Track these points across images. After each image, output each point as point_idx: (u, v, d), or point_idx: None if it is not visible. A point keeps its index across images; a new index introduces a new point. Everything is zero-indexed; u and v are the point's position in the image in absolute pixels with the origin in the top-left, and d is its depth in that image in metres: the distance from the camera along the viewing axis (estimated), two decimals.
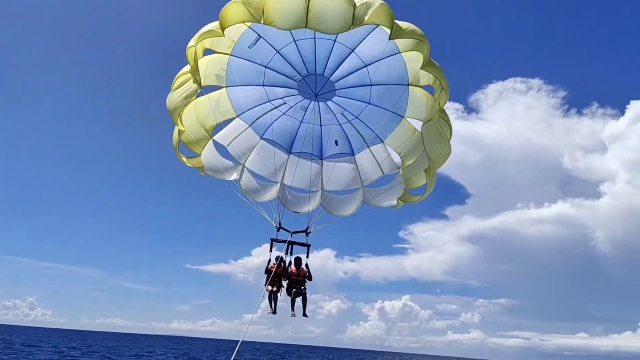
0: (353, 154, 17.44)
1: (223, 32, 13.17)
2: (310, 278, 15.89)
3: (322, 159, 17.88)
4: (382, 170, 17.06)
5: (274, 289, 15.49)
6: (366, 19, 12.20)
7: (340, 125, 17.17)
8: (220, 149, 17.22)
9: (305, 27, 12.11)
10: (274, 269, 15.69)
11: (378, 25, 13.82)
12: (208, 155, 16.95)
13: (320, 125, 17.39)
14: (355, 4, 12.30)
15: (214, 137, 16.97)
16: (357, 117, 16.66)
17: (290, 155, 18.05)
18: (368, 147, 17.09)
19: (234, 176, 17.34)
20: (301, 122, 17.47)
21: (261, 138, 17.70)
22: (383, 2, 12.70)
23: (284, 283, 15.90)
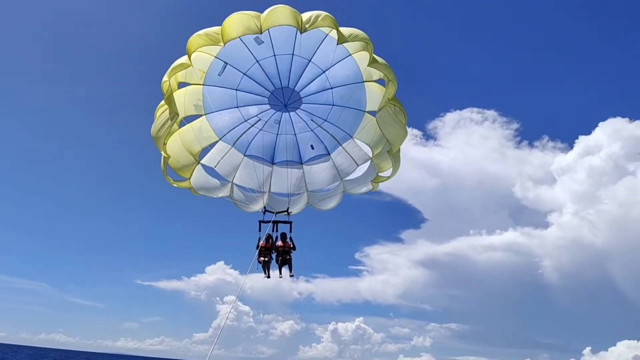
0: (329, 154, 19.16)
1: (190, 60, 15.10)
2: (294, 248, 18.59)
3: (302, 163, 19.57)
4: (356, 163, 18.77)
5: (266, 259, 18.02)
6: (313, 24, 14.23)
7: (312, 130, 18.98)
8: (209, 170, 18.91)
9: (261, 27, 14.11)
10: (264, 245, 18.14)
11: (327, 35, 15.92)
12: (199, 177, 18.61)
13: (295, 134, 19.20)
14: (301, 15, 14.40)
15: (201, 161, 18.68)
16: (325, 120, 18.50)
17: (274, 166, 19.77)
18: (340, 145, 18.85)
19: (224, 193, 18.97)
20: (277, 134, 19.29)
21: (245, 155, 19.44)
22: (326, 13, 14.80)
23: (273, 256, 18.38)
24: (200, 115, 18.12)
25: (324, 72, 17.31)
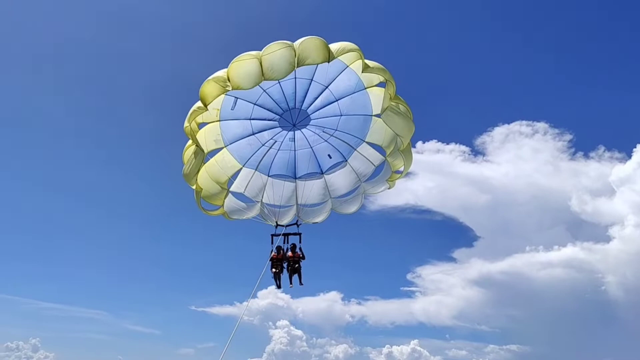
0: (346, 160, 20.27)
1: (206, 107, 16.45)
2: (304, 257, 19.93)
3: (323, 173, 20.78)
4: (373, 164, 19.83)
5: (277, 270, 19.47)
6: (306, 56, 15.19)
7: (326, 141, 20.12)
8: (238, 196, 20.42)
9: (264, 80, 15.25)
10: (275, 257, 19.63)
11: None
12: (230, 204, 20.17)
13: (311, 147, 20.39)
14: (295, 49, 15.34)
15: (230, 189, 20.20)
16: (337, 130, 19.60)
17: (297, 180, 21.07)
18: (355, 149, 19.92)
19: (255, 212, 20.45)
20: (295, 150, 20.55)
21: (269, 176, 20.84)
22: (312, 37, 15.60)
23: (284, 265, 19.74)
24: (221, 148, 19.59)
25: (326, 87, 18.38)
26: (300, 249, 20.16)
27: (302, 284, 19.72)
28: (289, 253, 20.04)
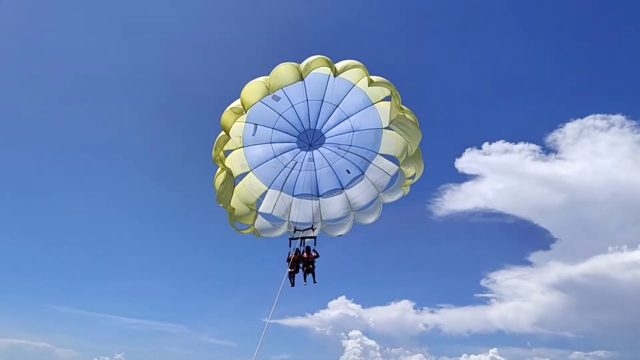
0: (363, 173, 21.34)
1: (228, 135, 18.32)
2: (318, 255, 21.31)
3: (343, 188, 21.89)
4: (388, 174, 20.76)
5: (293, 270, 20.64)
6: (308, 69, 16.88)
7: (343, 157, 21.39)
8: (267, 216, 21.86)
9: (270, 90, 17.04)
10: (293, 258, 20.85)
11: (329, 75, 18.54)
12: (260, 224, 21.61)
13: (330, 165, 21.71)
14: (298, 66, 17.12)
15: (259, 210, 21.72)
16: (351, 145, 20.88)
17: (320, 198, 22.27)
18: (370, 162, 21.01)
19: (283, 230, 21.71)
20: (315, 170, 21.91)
21: (294, 196, 22.22)
22: (318, 56, 17.35)
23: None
24: (248, 172, 21.33)
25: (337, 106, 19.89)
26: (314, 250, 21.45)
27: (315, 282, 20.90)
28: (305, 254, 21.21)
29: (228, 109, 18.23)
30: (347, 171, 21.65)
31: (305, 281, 20.84)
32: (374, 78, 18.25)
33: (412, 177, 20.44)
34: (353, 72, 18.33)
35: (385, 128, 20.08)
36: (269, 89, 17.17)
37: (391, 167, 20.68)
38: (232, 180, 20.16)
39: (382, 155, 20.67)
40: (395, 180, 20.89)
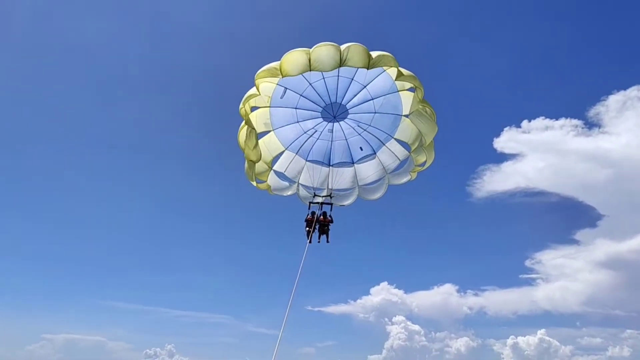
0: (375, 153, 22.96)
1: (259, 91, 19.64)
2: (332, 221, 23.47)
3: (353, 163, 23.55)
4: (398, 159, 22.42)
5: (310, 228, 22.89)
6: (350, 58, 18.05)
7: (359, 135, 22.92)
8: (280, 175, 23.55)
9: (310, 70, 18.24)
10: (309, 219, 23.18)
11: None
12: (273, 180, 23.31)
13: (346, 139, 23.25)
14: (340, 50, 18.29)
15: (274, 167, 23.36)
16: (370, 125, 22.37)
17: (331, 167, 23.94)
18: (384, 144, 22.59)
19: (292, 191, 23.48)
20: (332, 141, 23.46)
21: (307, 160, 23.85)
22: (357, 43, 18.49)
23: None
24: (269, 131, 22.81)
25: (364, 87, 21.23)
26: (330, 215, 23.51)
27: (328, 242, 23.18)
28: (321, 217, 23.29)
29: (266, 68, 19.39)
30: (360, 148, 23.22)
31: (319, 239, 23.06)
32: (403, 71, 19.46)
33: (422, 164, 22.10)
34: (385, 61, 19.54)
35: (405, 116, 21.56)
36: (309, 67, 18.23)
37: (402, 152, 22.32)
38: (254, 133, 21.59)
39: (397, 140, 22.24)
40: (404, 164, 22.57)
